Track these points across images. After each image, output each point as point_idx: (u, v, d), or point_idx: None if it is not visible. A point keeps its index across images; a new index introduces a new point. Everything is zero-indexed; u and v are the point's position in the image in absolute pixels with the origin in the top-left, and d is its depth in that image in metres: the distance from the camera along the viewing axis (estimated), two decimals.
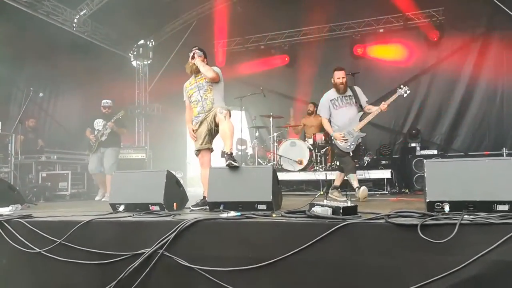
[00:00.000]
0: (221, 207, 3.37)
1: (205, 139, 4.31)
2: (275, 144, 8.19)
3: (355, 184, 5.11)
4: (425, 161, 3.01)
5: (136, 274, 2.88)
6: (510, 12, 7.33)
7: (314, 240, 2.53)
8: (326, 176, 7.06)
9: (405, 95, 5.14)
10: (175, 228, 2.88)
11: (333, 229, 2.52)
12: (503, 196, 2.64)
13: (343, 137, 5.17)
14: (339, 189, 5.35)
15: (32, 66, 7.87)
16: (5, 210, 4.03)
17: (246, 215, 2.97)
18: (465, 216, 2.44)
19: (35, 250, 3.22)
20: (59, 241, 3.16)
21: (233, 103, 8.41)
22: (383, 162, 7.96)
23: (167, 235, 2.88)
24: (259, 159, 8.32)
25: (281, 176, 6.52)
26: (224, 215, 2.99)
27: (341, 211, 2.68)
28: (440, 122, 8.78)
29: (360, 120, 5.21)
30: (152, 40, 11.03)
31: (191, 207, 4.06)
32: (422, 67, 8.84)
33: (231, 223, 2.89)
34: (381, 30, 9.30)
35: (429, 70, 8.84)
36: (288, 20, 9.78)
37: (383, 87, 7.58)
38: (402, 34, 9.11)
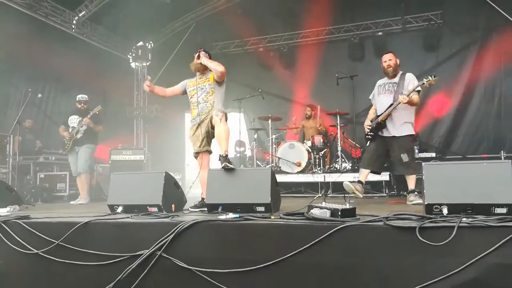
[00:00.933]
0: (220, 209, 3.37)
1: (203, 141, 4.32)
2: (274, 146, 8.19)
3: (361, 177, 4.96)
4: (423, 164, 3.02)
5: (134, 275, 2.87)
6: (507, 16, 7.36)
7: (313, 242, 2.53)
8: (324, 178, 7.07)
9: (428, 86, 4.59)
10: (173, 230, 2.88)
11: (331, 231, 2.52)
12: (501, 199, 2.64)
13: (368, 127, 4.87)
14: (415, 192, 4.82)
15: (30, 67, 7.86)
16: (2, 211, 4.03)
17: (245, 217, 2.97)
18: (463, 218, 2.45)
19: (33, 251, 3.21)
20: (57, 242, 3.16)
21: (231, 105, 8.41)
22: None
23: (165, 236, 2.88)
24: (257, 161, 8.32)
25: (280, 178, 6.50)
26: (223, 217, 2.99)
27: (339, 213, 2.69)
28: (438, 125, 8.79)
29: (386, 110, 4.72)
30: (151, 42, 11.03)
31: (189, 209, 4.05)
32: (420, 70, 8.85)
33: (230, 225, 2.89)
34: (380, 33, 9.33)
35: (427, 73, 8.83)
36: (287, 23, 9.80)
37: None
38: (401, 37, 9.13)
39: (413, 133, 4.78)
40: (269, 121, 8.38)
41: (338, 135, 7.54)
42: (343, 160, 7.56)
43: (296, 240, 2.60)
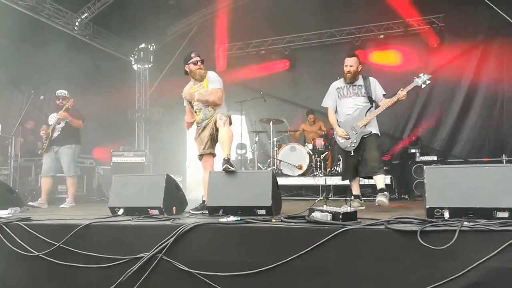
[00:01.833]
0: (221, 212, 3.37)
1: (207, 144, 4.33)
2: (275, 148, 8.19)
3: (354, 190, 4.79)
4: (425, 167, 3.02)
5: (135, 278, 2.87)
6: (509, 19, 7.35)
7: (314, 246, 2.53)
8: (325, 181, 7.06)
9: (423, 86, 4.43)
10: (174, 232, 2.88)
11: (332, 234, 2.52)
12: (503, 203, 2.63)
13: (346, 134, 4.55)
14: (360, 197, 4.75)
15: (33, 68, 7.88)
16: (4, 213, 4.02)
17: (246, 220, 2.97)
18: (465, 222, 2.44)
19: (34, 253, 3.21)
20: (58, 244, 3.16)
21: (233, 107, 8.41)
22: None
23: (166, 239, 2.88)
24: (258, 164, 8.32)
25: (281, 181, 6.51)
26: (224, 219, 2.99)
27: (340, 216, 2.68)
28: (440, 129, 8.78)
29: (366, 114, 4.53)
30: (153, 44, 11.06)
31: (190, 211, 4.05)
32: (422, 73, 8.85)
33: (231, 228, 2.89)
34: (382, 36, 9.33)
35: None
36: (289, 25, 9.80)
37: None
38: (403, 40, 9.13)
39: (379, 132, 4.63)
40: (271, 123, 8.38)
41: None
42: None
43: (297, 243, 2.59)
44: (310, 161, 7.69)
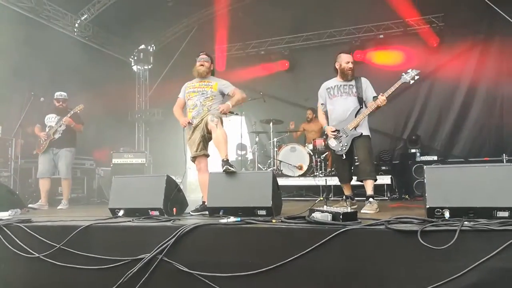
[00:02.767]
0: (221, 213, 3.37)
1: (200, 145, 4.34)
2: (275, 149, 8.19)
3: (345, 191, 4.71)
4: (425, 167, 3.02)
5: (135, 279, 2.87)
6: (509, 19, 7.34)
7: (314, 246, 2.53)
8: (326, 181, 7.05)
9: (411, 81, 4.31)
10: (174, 234, 2.88)
11: (333, 235, 2.52)
12: (503, 202, 2.64)
13: (337, 133, 4.41)
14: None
15: (33, 70, 7.88)
16: (4, 215, 4.02)
17: (246, 220, 2.97)
18: (465, 222, 2.44)
19: (34, 255, 3.22)
20: (58, 246, 3.16)
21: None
22: (383, 168, 7.95)
23: (166, 240, 2.88)
24: (259, 164, 8.32)
25: (281, 181, 6.51)
26: (224, 220, 2.98)
27: (341, 217, 2.68)
28: (440, 128, 8.78)
29: (356, 116, 4.37)
30: (153, 45, 11.06)
31: (190, 212, 4.05)
32: (422, 73, 8.81)
33: (231, 228, 2.89)
34: (381, 36, 9.33)
35: (429, 76, 8.85)
36: (288, 26, 9.81)
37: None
38: (402, 40, 9.12)
39: (369, 133, 4.50)
40: (271, 124, 8.38)
41: None
42: None
43: (298, 244, 2.59)
44: (311, 162, 7.69)
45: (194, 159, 4.41)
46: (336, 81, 4.62)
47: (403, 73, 4.37)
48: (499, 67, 8.28)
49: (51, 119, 6.28)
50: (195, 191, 10.15)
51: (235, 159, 8.88)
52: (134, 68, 11.18)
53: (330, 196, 7.19)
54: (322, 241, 2.52)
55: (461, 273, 2.24)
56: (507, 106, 8.19)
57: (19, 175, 6.82)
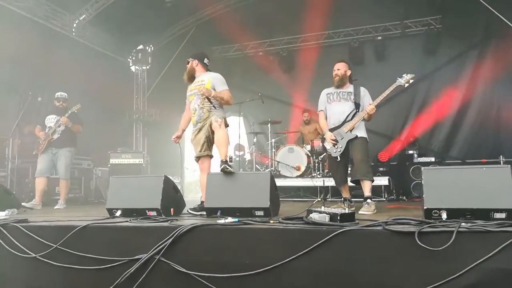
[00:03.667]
0: (219, 213, 3.37)
1: (204, 146, 4.33)
2: (273, 150, 8.19)
3: (343, 194, 4.73)
4: (422, 168, 3.03)
5: (132, 280, 2.87)
6: (506, 21, 7.38)
7: (312, 247, 2.53)
8: (323, 182, 7.06)
9: (406, 85, 4.38)
10: (172, 234, 2.88)
11: (330, 236, 2.52)
12: (500, 204, 2.64)
13: (333, 139, 4.48)
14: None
15: (30, 70, 7.87)
16: (1, 215, 4.02)
17: (244, 221, 2.97)
18: (463, 223, 2.45)
19: (31, 255, 3.20)
20: (55, 246, 3.15)
21: (231, 109, 8.41)
22: (381, 169, 7.98)
23: (164, 240, 2.87)
24: (257, 165, 8.32)
25: (279, 182, 6.52)
26: (222, 221, 2.98)
27: (338, 218, 2.69)
28: (438, 130, 8.81)
29: (352, 119, 4.46)
30: (151, 46, 11.05)
31: (188, 210, 4.05)
32: (419, 74, 8.88)
33: (229, 229, 2.89)
34: (379, 38, 9.36)
35: (427, 78, 8.89)
36: (287, 27, 9.83)
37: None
38: (400, 42, 9.16)
39: (367, 136, 4.55)
40: (269, 125, 8.38)
41: None
42: None
43: (295, 244, 2.59)
44: (308, 162, 7.70)
45: (197, 159, 4.41)
46: (334, 88, 4.73)
47: (398, 77, 4.43)
48: (496, 68, 8.31)
49: (51, 120, 6.26)
50: (193, 191, 10.17)
51: (233, 159, 8.88)
52: (132, 68, 11.17)
53: (328, 197, 7.20)
54: (320, 242, 2.52)
55: (458, 274, 2.24)
56: (504, 107, 8.23)
57: (16, 175, 6.80)
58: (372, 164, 8.13)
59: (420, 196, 3.61)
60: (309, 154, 7.75)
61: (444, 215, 2.69)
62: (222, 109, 4.49)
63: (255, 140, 8.62)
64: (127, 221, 3.33)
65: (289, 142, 8.93)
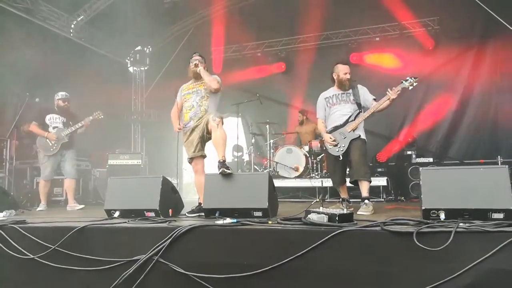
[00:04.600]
0: (217, 214, 3.37)
1: (198, 146, 4.32)
2: (272, 150, 8.20)
3: (342, 194, 4.74)
4: (420, 169, 3.04)
5: (131, 280, 2.86)
6: (504, 22, 7.40)
7: (310, 248, 2.53)
8: (322, 183, 7.07)
9: (410, 87, 4.38)
10: (170, 235, 2.87)
11: (329, 236, 2.52)
12: (498, 204, 2.65)
13: (333, 140, 4.50)
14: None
15: (28, 71, 7.84)
16: None
17: (242, 222, 2.97)
18: (461, 224, 2.45)
19: (29, 256, 3.19)
20: (53, 247, 3.14)
21: (229, 109, 8.42)
22: (379, 169, 7.98)
23: (162, 241, 2.87)
24: (255, 166, 8.32)
25: (277, 183, 6.52)
26: (220, 222, 2.98)
27: (337, 218, 2.69)
28: (436, 130, 8.82)
29: (355, 119, 4.49)
30: (149, 47, 11.05)
31: (186, 214, 4.04)
32: (417, 75, 8.85)
33: (227, 230, 2.89)
34: (377, 39, 9.38)
35: (425, 79, 8.89)
36: (285, 28, 9.83)
37: (379, 95, 7.61)
38: (398, 43, 9.18)
39: (365, 137, 4.57)
40: (267, 126, 8.39)
41: None
42: None
43: (294, 245, 2.59)
44: (307, 163, 7.71)
45: (191, 160, 4.39)
46: (333, 90, 4.74)
47: (403, 80, 4.43)
48: (493, 69, 8.34)
49: (55, 120, 6.18)
50: (191, 192, 10.15)
51: (231, 160, 8.88)
52: (131, 69, 11.17)
53: (326, 197, 7.20)
54: (318, 242, 2.52)
55: (456, 274, 2.24)
56: (502, 108, 8.24)
57: (14, 176, 6.79)
58: (370, 164, 8.14)
59: (418, 197, 3.61)
60: (308, 155, 7.76)
61: (442, 216, 2.70)
62: (218, 110, 4.48)
63: (253, 141, 8.62)
64: (126, 222, 3.32)
65: (287, 143, 8.93)
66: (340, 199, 4.79)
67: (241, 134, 8.99)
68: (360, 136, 4.46)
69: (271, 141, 8.31)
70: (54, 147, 6.03)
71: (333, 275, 2.52)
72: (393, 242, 2.43)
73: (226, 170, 3.61)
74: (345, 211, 2.81)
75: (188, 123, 4.40)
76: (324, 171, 7.78)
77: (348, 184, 4.79)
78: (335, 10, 8.94)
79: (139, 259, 2.87)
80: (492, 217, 2.64)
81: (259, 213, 3.32)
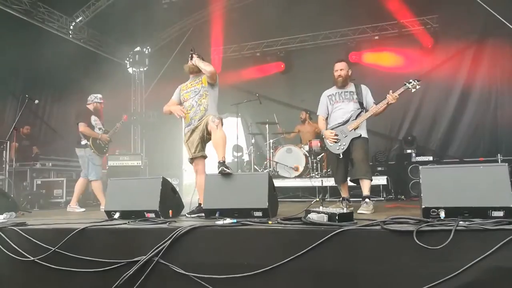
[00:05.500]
0: (217, 214, 3.37)
1: (198, 147, 4.32)
2: (271, 150, 8.19)
3: (342, 193, 4.74)
4: (420, 167, 3.03)
5: (131, 282, 2.86)
6: (503, 20, 7.40)
7: (310, 247, 2.53)
8: (322, 182, 7.07)
9: (413, 90, 4.38)
10: (170, 236, 2.87)
11: (329, 235, 2.52)
12: (498, 202, 2.65)
13: (335, 135, 4.48)
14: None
15: (27, 73, 7.85)
16: None
17: (242, 222, 2.97)
18: (460, 222, 2.45)
19: (29, 258, 3.19)
20: (54, 249, 3.14)
21: (229, 109, 8.42)
22: (379, 168, 7.97)
23: (162, 242, 2.87)
24: (255, 166, 8.32)
25: (277, 182, 6.52)
26: (220, 222, 2.98)
27: (337, 217, 2.69)
28: (435, 129, 8.82)
29: (357, 118, 4.47)
30: (148, 47, 11.06)
31: (186, 214, 4.04)
32: (416, 73, 8.85)
33: (227, 230, 2.88)
34: (376, 37, 9.37)
35: (424, 77, 8.84)
36: (284, 27, 9.83)
37: (378, 94, 7.60)
38: (397, 41, 9.17)
39: (367, 136, 4.57)
40: (267, 125, 8.38)
41: None
42: None
43: (294, 245, 2.59)
44: (307, 163, 7.70)
45: (192, 160, 4.39)
46: (335, 89, 4.73)
47: (406, 82, 4.42)
48: (493, 67, 8.34)
49: (96, 121, 6.30)
50: (191, 193, 10.13)
51: (231, 160, 8.88)
52: (130, 70, 11.18)
53: (326, 197, 7.19)
54: (318, 242, 2.52)
55: (457, 272, 2.24)
56: (502, 106, 8.25)
57: (13, 178, 6.78)
58: (371, 163, 8.13)
59: (418, 195, 3.61)
60: (307, 155, 7.75)
61: (442, 214, 2.69)
62: (217, 111, 4.47)
63: (253, 141, 8.62)
64: (126, 223, 3.32)
65: (287, 143, 8.93)
66: (340, 199, 4.79)
67: (241, 134, 8.99)
68: (361, 135, 4.46)
69: (271, 141, 8.30)
70: (106, 148, 6.33)
71: (333, 275, 2.52)
72: (393, 241, 2.43)
73: (225, 169, 3.61)
74: (345, 211, 2.81)
75: (189, 124, 4.40)
76: (324, 170, 7.78)
77: (349, 183, 4.79)
78: (333, 9, 8.93)
79: (140, 260, 2.87)
80: (492, 215, 2.64)
81: (259, 213, 3.32)
